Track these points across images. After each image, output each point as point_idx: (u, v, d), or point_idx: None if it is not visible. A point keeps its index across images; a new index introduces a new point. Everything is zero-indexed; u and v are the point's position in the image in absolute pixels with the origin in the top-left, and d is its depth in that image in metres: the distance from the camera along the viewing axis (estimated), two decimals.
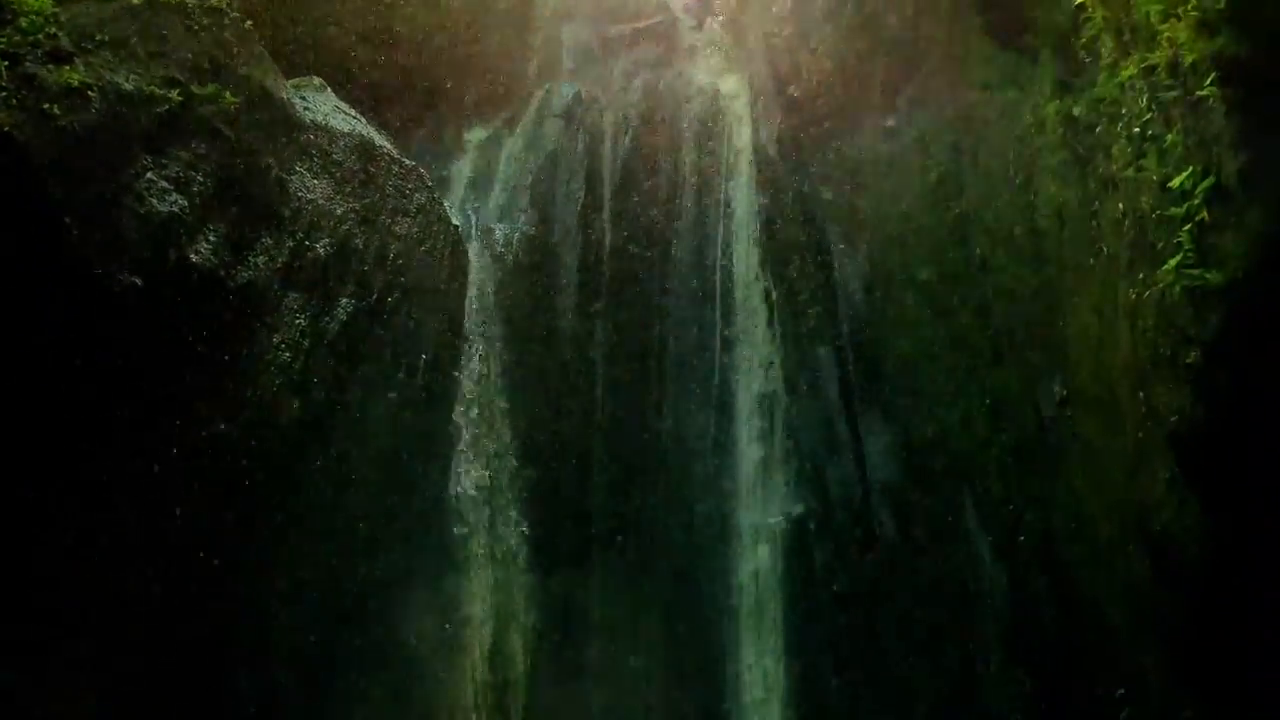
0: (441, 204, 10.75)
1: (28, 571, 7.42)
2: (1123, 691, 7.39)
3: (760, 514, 10.15)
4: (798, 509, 9.88)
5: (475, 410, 10.26)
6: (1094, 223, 7.38)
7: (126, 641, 7.76)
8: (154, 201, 7.87)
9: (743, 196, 11.69)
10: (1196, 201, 5.76)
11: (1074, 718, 8.10)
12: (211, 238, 8.24)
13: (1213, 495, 6.07)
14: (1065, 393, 7.98)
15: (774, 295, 11.07)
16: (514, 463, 10.34)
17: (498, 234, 11.20)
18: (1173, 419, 6.07)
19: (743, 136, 11.93)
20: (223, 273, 8.38)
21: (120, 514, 7.89)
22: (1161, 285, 6.10)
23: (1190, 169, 5.85)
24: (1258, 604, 6.24)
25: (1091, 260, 7.44)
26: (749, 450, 10.31)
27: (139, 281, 7.79)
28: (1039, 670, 8.34)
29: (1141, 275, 6.39)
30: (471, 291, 10.61)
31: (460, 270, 10.61)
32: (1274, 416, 5.71)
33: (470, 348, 10.42)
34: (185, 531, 8.12)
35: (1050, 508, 8.14)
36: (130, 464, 7.89)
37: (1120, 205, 6.87)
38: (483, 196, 12.06)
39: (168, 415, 7.99)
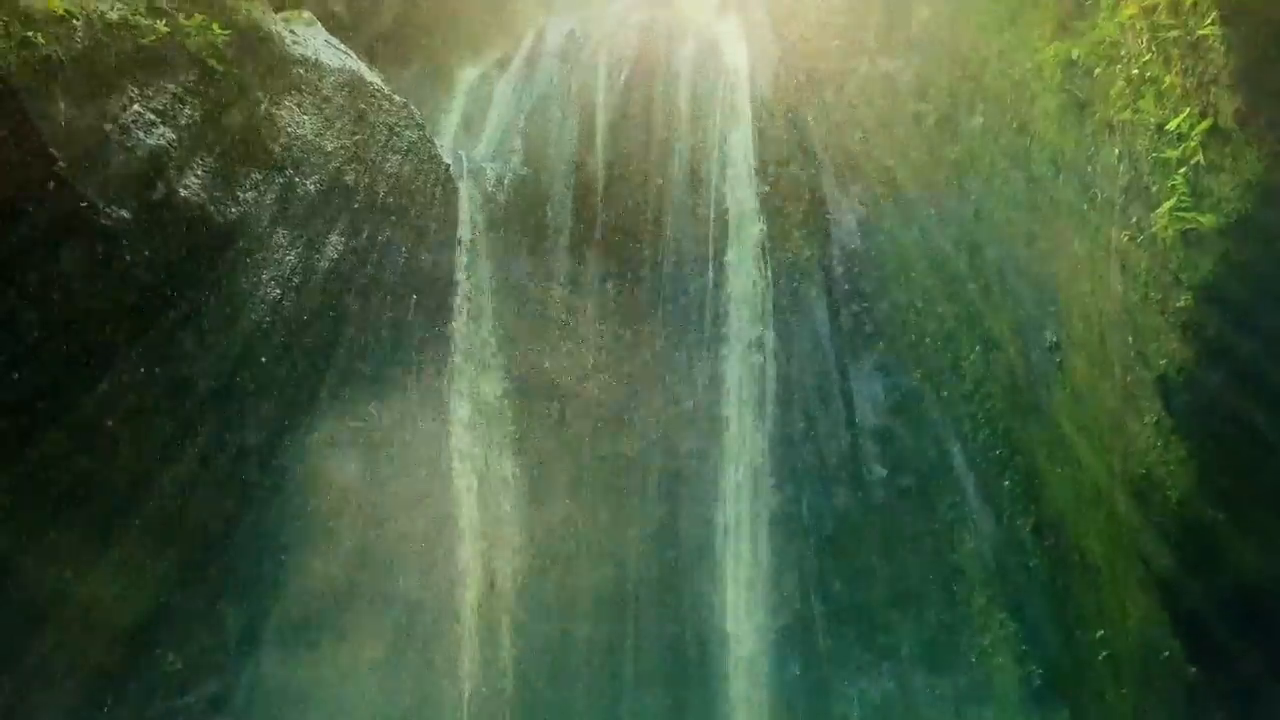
0: (432, 142, 10.62)
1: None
2: (1103, 633, 7.50)
3: (748, 454, 10.18)
4: (786, 449, 9.92)
5: (466, 350, 10.24)
6: (1090, 168, 7.35)
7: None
8: (141, 134, 7.77)
9: (738, 138, 11.59)
10: (1193, 144, 5.74)
11: (1056, 659, 8.23)
12: (200, 172, 8.16)
13: (1199, 438, 6.11)
14: (1056, 338, 8.01)
15: (767, 238, 11.03)
16: (506, 401, 10.34)
17: (489, 174, 11.08)
18: (1161, 362, 6.10)
19: (738, 77, 11.80)
20: (212, 208, 8.31)
21: (113, 450, 7.92)
22: (1155, 229, 6.10)
23: (1187, 111, 5.82)
24: (1240, 546, 6.33)
25: (1086, 205, 7.42)
26: (739, 391, 10.32)
27: (127, 215, 7.75)
28: (1022, 612, 8.46)
29: (1135, 219, 6.39)
30: (462, 231, 10.52)
31: (451, 210, 10.51)
32: (1262, 361, 5.75)
33: (461, 288, 10.36)
34: (176, 463, 8.15)
35: (1037, 452, 8.21)
36: (121, 399, 7.90)
37: (1116, 150, 6.84)
38: (474, 136, 11.92)
39: (156, 348, 7.96)
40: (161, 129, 7.88)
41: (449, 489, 9.77)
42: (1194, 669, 6.43)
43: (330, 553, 8.82)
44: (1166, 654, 6.61)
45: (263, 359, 8.77)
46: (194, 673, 8.35)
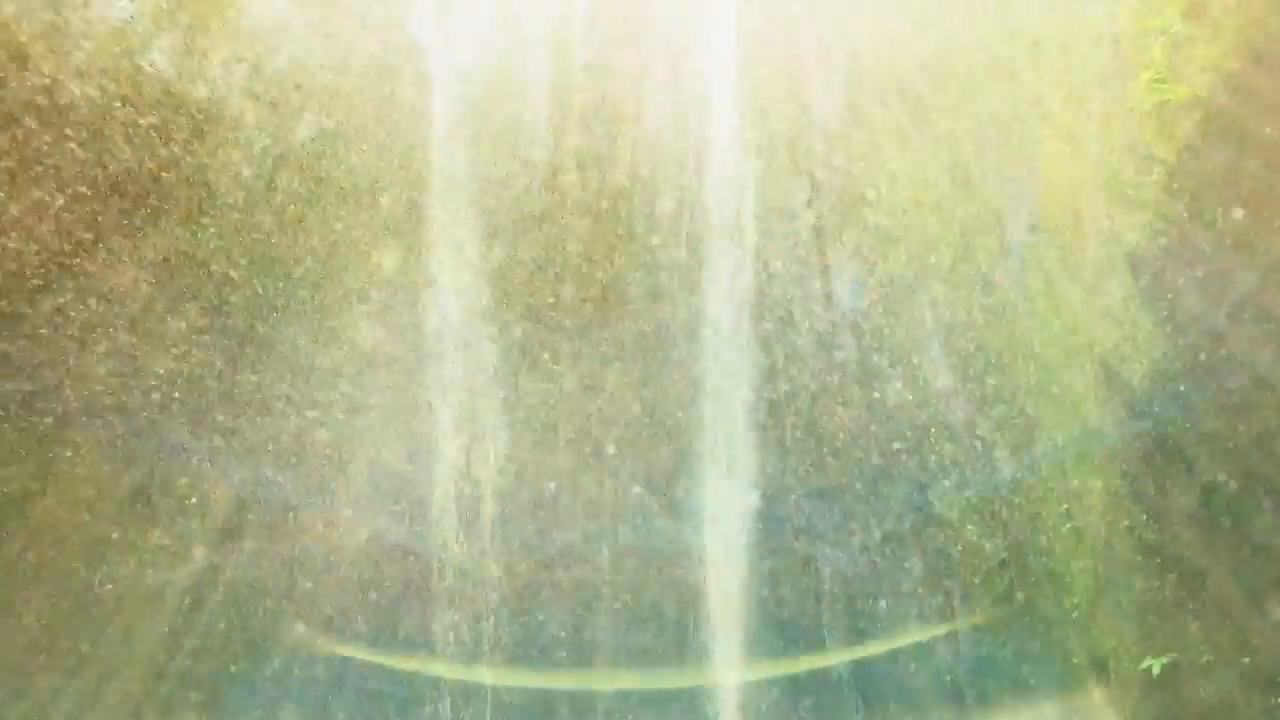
0: (404, 22, 10.38)
1: None
2: (1066, 507, 7.72)
3: (727, 342, 10.23)
4: (763, 334, 9.96)
5: (443, 240, 10.18)
6: (1070, 46, 7.28)
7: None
8: (101, 7, 7.59)
9: (721, 26, 11.35)
10: (1173, 12, 5.67)
11: (1019, 539, 8.47)
12: (165, 47, 7.99)
13: (1166, 312, 6.20)
14: (1034, 221, 8.03)
15: (748, 126, 10.90)
16: (485, 292, 10.33)
17: (463, 57, 10.85)
18: (1131, 237, 6.14)
19: None
20: (179, 85, 8.19)
21: (93, 337, 7.96)
22: (1131, 103, 6.08)
23: None
24: (1203, 423, 6.48)
25: (1065, 86, 7.36)
26: (718, 279, 10.31)
27: (94, 93, 7.66)
28: (989, 493, 8.63)
29: (1113, 94, 6.35)
30: (437, 121, 10.35)
31: (424, 94, 10.34)
32: (1231, 237, 5.80)
33: (436, 176, 10.24)
34: (161, 350, 8.21)
35: (1012, 333, 8.29)
36: (102, 285, 7.92)
37: (1097, 25, 6.77)
38: (447, 16, 11.62)
39: (137, 233, 7.93)
40: (123, 1, 7.71)
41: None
42: (1153, 536, 6.64)
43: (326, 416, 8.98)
44: (1126, 523, 6.82)
45: (241, 242, 8.76)
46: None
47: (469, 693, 9.60)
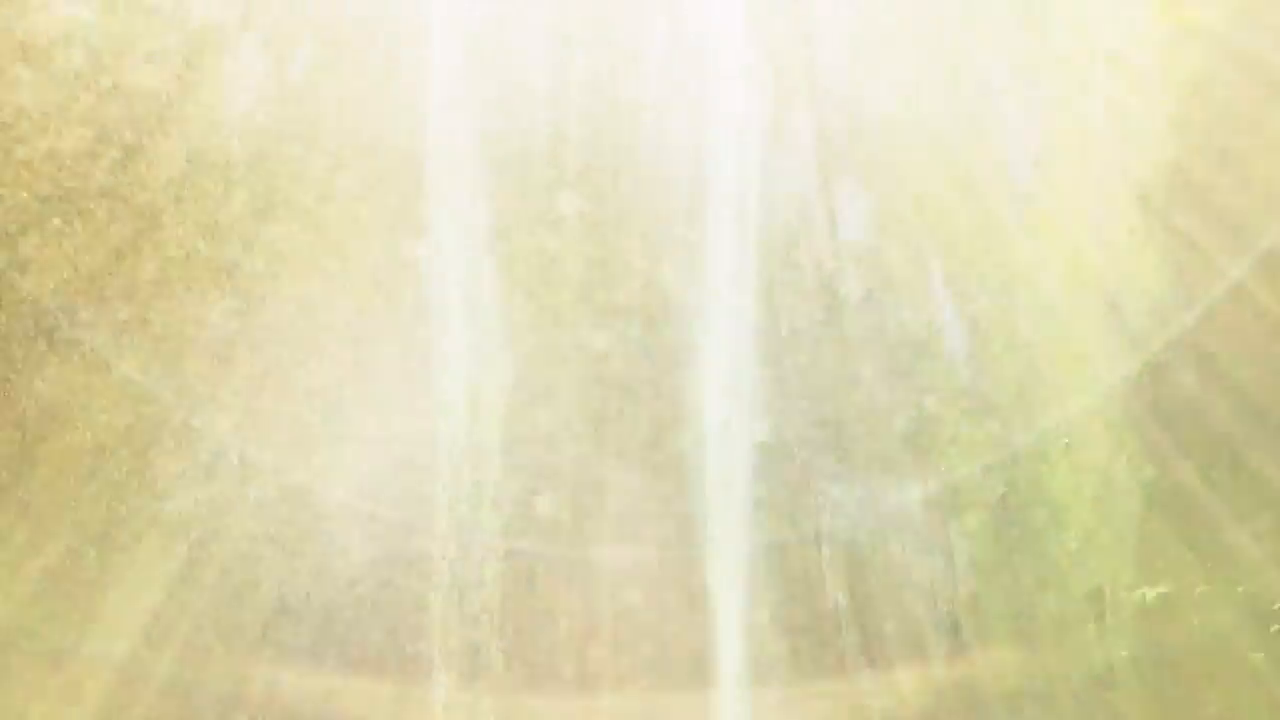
0: None
1: None
2: (1067, 441, 7.75)
3: (729, 267, 10.17)
4: (763, 262, 9.90)
5: (444, 162, 10.10)
6: None
7: None
8: None
9: None
10: None
11: (1017, 469, 8.51)
12: None
13: (1173, 244, 6.15)
14: (1039, 151, 7.94)
15: (753, 54, 10.75)
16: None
17: None
18: (1141, 165, 6.07)
19: None
20: (174, 8, 8.11)
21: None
22: (1142, 29, 5.96)
23: None
24: (1206, 357, 6.48)
25: (1073, 10, 7.24)
26: (722, 205, 10.23)
27: (88, 15, 7.63)
28: (991, 423, 8.66)
29: (1123, 19, 6.24)
30: (438, 37, 10.22)
31: (426, 18, 10.21)
32: (1246, 159, 5.73)
33: (437, 99, 10.14)
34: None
35: (1014, 265, 8.25)
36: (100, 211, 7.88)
37: None
38: None
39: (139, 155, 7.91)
40: None
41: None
42: (1151, 469, 6.67)
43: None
44: (1125, 456, 6.84)
45: (238, 171, 8.72)
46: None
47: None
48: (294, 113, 9.34)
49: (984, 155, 8.61)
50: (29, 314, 8.63)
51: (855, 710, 9.39)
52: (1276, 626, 6.62)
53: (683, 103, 10.78)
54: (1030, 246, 8.15)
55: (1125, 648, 7.30)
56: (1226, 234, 6.48)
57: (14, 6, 8.46)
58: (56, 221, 8.53)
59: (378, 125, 9.96)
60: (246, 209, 9.24)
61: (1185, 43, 5.81)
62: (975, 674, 8.94)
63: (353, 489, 9.22)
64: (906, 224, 9.66)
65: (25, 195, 8.28)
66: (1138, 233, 6.72)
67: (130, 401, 8.77)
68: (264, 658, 8.83)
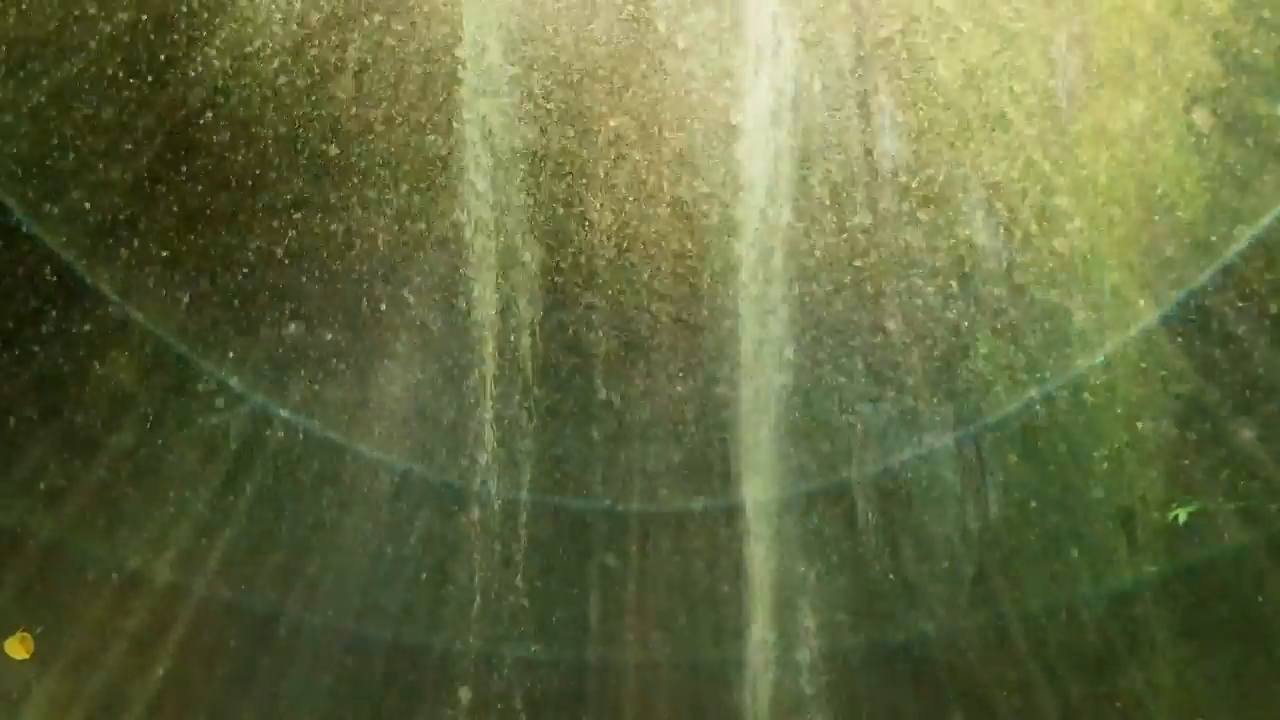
0: None
1: None
2: (1101, 359, 7.74)
3: (762, 198, 10.10)
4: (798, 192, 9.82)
5: (479, 112, 10.04)
6: None
7: None
8: None
9: None
10: None
11: (1050, 387, 8.50)
12: None
13: (1219, 157, 6.07)
14: (1083, 63, 7.79)
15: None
16: (521, 170, 10.19)
17: None
18: (1189, 76, 5.96)
19: None
20: None
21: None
22: None
23: None
24: (1244, 277, 6.43)
25: None
26: (757, 142, 10.10)
27: None
28: (1025, 339, 8.62)
29: None
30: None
31: None
32: None
33: (469, 30, 10.04)
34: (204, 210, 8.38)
35: (1057, 180, 8.15)
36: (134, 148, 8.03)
37: None
38: None
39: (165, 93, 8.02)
40: None
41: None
42: (1187, 386, 6.68)
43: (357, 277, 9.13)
44: (1162, 373, 6.83)
45: (272, 109, 8.79)
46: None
47: None
48: None
49: None
50: None
51: None
52: None
53: None
54: None
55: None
56: None
57: None
58: None
59: None
60: None
61: None
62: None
63: None
64: None
65: None
66: None
67: None
68: None
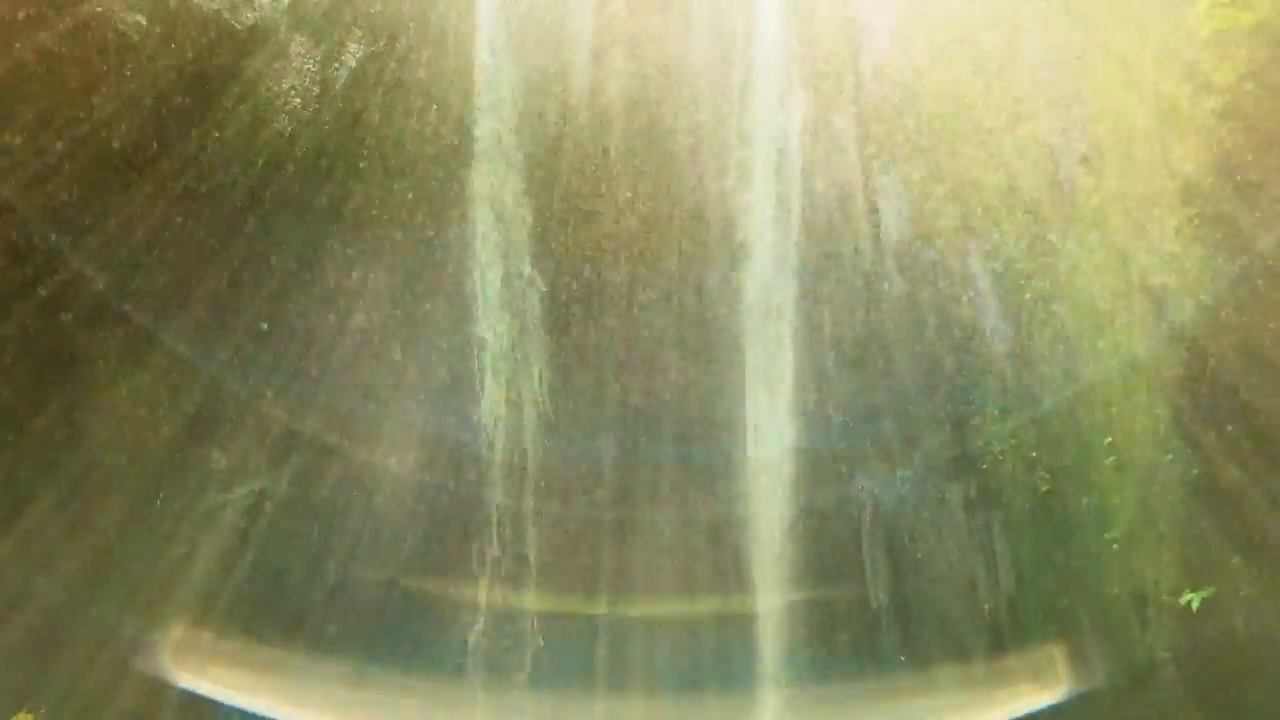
0: None
1: None
2: (1110, 440, 7.68)
3: (770, 273, 10.15)
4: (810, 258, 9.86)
5: (488, 161, 10.17)
6: None
7: None
8: None
9: None
10: None
11: (1064, 464, 8.45)
12: None
13: (1214, 245, 6.09)
14: (1085, 149, 7.86)
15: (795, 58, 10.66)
16: (527, 206, 10.30)
17: None
18: (1186, 167, 6.01)
19: None
20: (227, 15, 8.26)
21: (145, 263, 8.17)
22: (1190, 29, 5.91)
23: None
24: (1251, 356, 6.40)
25: (1122, 10, 7.15)
26: (761, 207, 10.20)
27: (143, 20, 7.77)
28: (1036, 417, 8.56)
29: (1173, 18, 6.17)
30: (481, 36, 10.28)
31: (470, 14, 10.28)
32: None
33: (483, 92, 10.20)
34: (211, 273, 8.44)
35: (1056, 265, 8.18)
36: (151, 209, 8.09)
37: None
38: None
39: (183, 158, 8.08)
40: None
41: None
42: (1195, 470, 6.61)
43: (365, 352, 9.15)
44: (1170, 457, 6.78)
45: (289, 168, 8.86)
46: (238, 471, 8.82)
47: None
48: None
49: None
50: None
51: None
52: None
53: None
54: None
55: None
56: None
57: None
58: None
59: None
60: None
61: None
62: None
63: None
64: None
65: None
66: None
67: None
68: None
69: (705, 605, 9.57)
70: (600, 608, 9.57)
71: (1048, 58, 8.27)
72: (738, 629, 9.44)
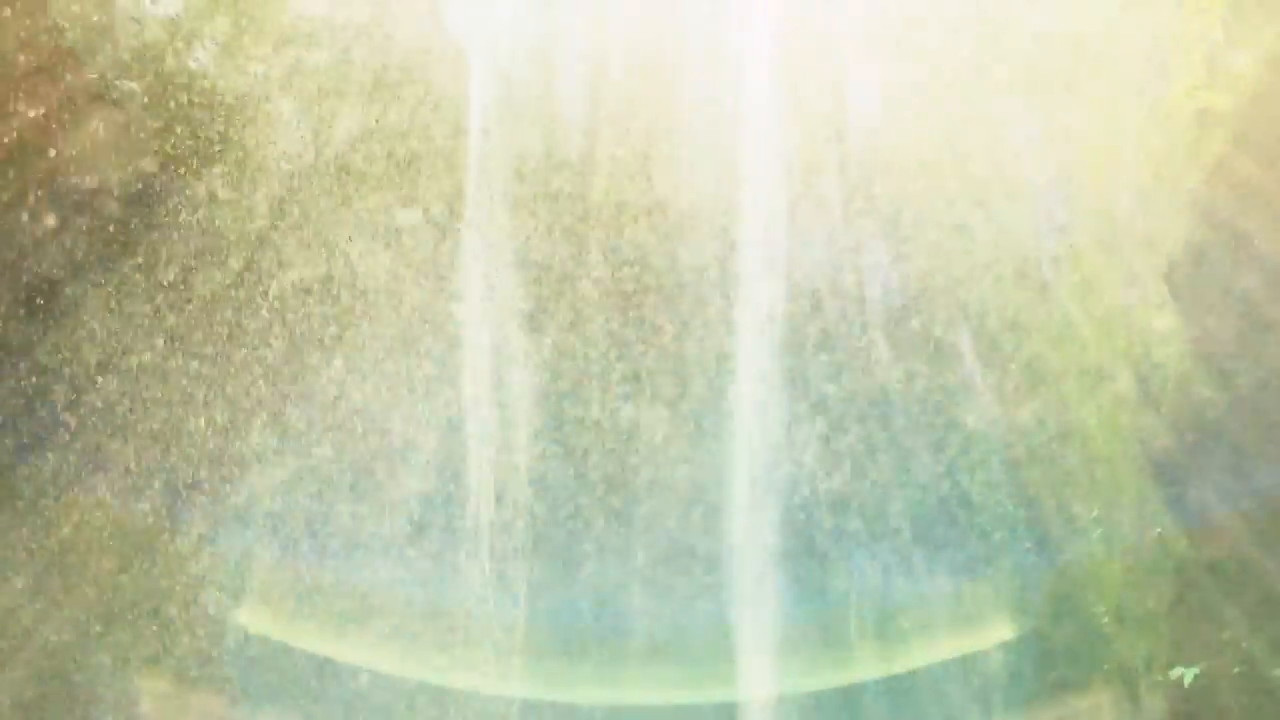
0: (444, 16, 10.45)
1: None
2: (1097, 513, 7.69)
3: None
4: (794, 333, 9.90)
5: (478, 229, 10.23)
6: (1109, 48, 7.21)
7: None
8: (149, 4, 7.76)
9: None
10: (1213, 18, 5.61)
11: (1048, 532, 8.43)
12: (207, 43, 8.15)
13: (1201, 321, 6.15)
14: (1066, 222, 7.97)
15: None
16: (521, 308, 10.35)
17: (502, 45, 10.87)
18: (1169, 245, 6.09)
19: None
20: (221, 81, 8.36)
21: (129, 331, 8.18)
22: (1170, 108, 6.02)
23: None
24: (1235, 431, 6.45)
25: (1103, 86, 7.30)
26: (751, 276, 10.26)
27: (136, 88, 7.85)
28: (1022, 486, 8.55)
29: (1151, 98, 6.30)
30: (474, 107, 10.41)
31: (463, 84, 10.42)
32: (1270, 240, 5.74)
33: (474, 163, 10.29)
34: (194, 340, 8.41)
35: (1043, 336, 8.24)
36: (140, 274, 8.11)
37: (1137, 27, 6.70)
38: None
39: (173, 224, 8.12)
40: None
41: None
42: (1185, 543, 6.61)
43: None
44: (1159, 530, 6.78)
45: (278, 232, 8.91)
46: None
47: None
48: None
49: None
50: None
51: None
52: None
53: None
54: None
55: None
56: None
57: None
58: None
59: None
60: None
61: None
62: None
63: None
64: None
65: None
66: None
67: None
68: None
69: None
70: None
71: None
72: None
